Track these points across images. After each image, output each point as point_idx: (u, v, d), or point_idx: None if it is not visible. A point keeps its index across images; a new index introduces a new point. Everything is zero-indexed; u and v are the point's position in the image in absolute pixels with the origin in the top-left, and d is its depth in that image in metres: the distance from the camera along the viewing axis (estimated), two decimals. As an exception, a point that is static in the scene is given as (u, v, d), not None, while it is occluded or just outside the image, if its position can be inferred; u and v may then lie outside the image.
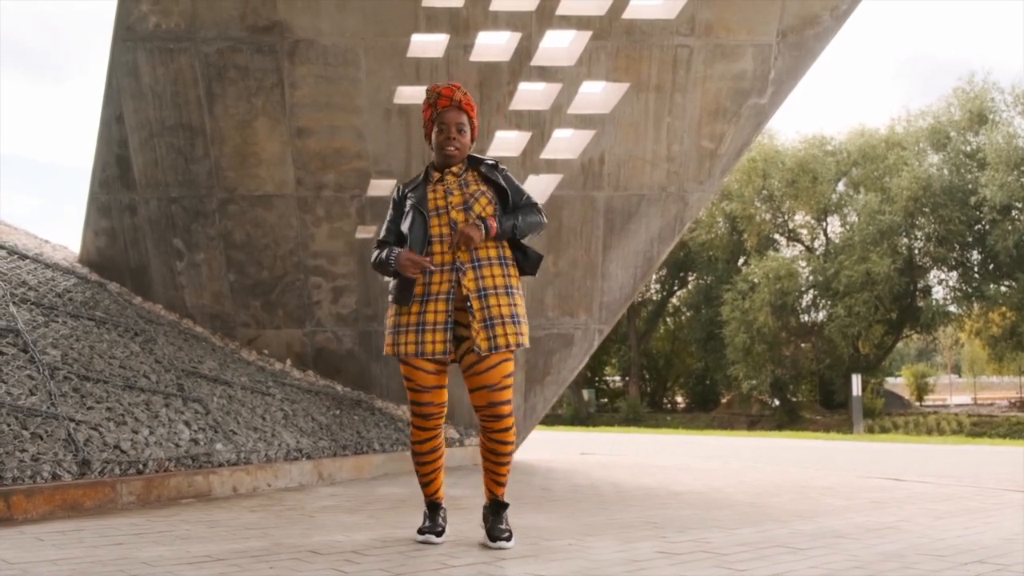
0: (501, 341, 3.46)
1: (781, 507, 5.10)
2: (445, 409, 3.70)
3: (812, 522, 4.48)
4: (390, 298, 3.66)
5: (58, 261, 7.65)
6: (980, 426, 30.87)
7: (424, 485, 3.78)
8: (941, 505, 5.21)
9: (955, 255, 31.50)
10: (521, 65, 7.40)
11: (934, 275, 32.71)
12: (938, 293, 32.81)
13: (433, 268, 3.52)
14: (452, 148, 3.65)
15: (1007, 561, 3.41)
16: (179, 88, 7.36)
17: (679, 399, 43.02)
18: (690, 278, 39.60)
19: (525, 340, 3.53)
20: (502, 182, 3.69)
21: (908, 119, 33.09)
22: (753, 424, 33.74)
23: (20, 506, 4.29)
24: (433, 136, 3.71)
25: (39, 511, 4.37)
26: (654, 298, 40.66)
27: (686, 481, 6.67)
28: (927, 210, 30.25)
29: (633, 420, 33.85)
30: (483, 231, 3.52)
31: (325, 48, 7.26)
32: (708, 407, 38.65)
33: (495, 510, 3.69)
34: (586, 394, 38.69)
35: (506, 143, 7.84)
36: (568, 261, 8.18)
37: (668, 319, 41.84)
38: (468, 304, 3.49)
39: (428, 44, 7.39)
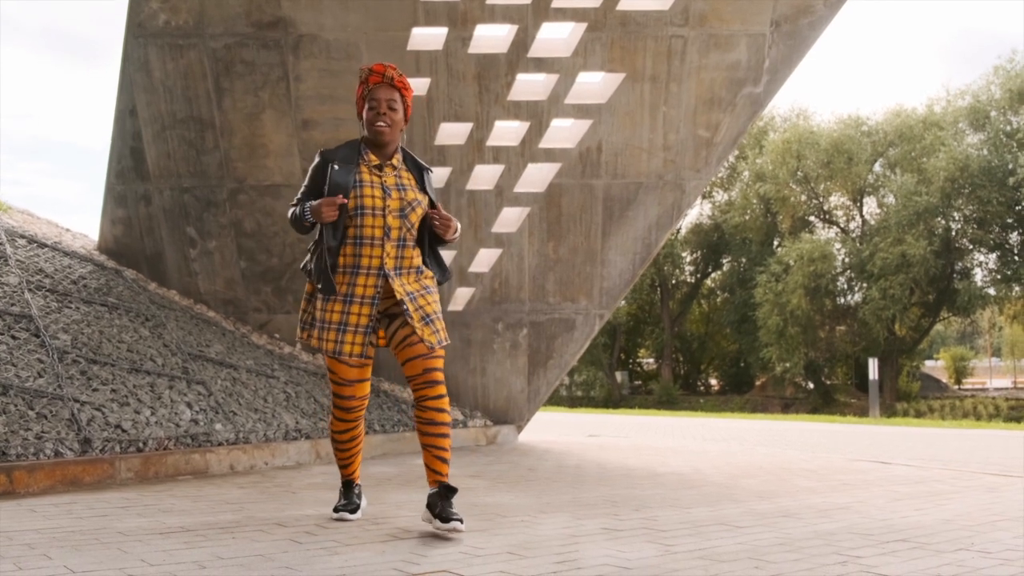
0: (443, 336, 3.61)
1: (748, 488, 5.27)
2: (366, 402, 3.89)
3: (769, 502, 4.66)
4: (313, 284, 3.74)
5: (76, 249, 8.02)
6: (1018, 410, 30.52)
7: (342, 467, 4.01)
8: (906, 487, 5.35)
9: (993, 237, 31.07)
10: (518, 57, 7.58)
11: (973, 257, 32.26)
12: (977, 275, 32.40)
13: (346, 201, 3.54)
14: (382, 124, 3.62)
15: (930, 540, 3.57)
16: (189, 82, 7.67)
17: (713, 381, 43.05)
18: (724, 260, 39.50)
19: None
20: (430, 193, 3.75)
21: (947, 99, 32.65)
22: (787, 407, 33.64)
23: (22, 481, 4.63)
24: (364, 113, 3.69)
25: (40, 485, 4.70)
26: (688, 280, 40.65)
27: (672, 463, 6.86)
28: (965, 191, 29.91)
29: (666, 403, 33.97)
30: (455, 231, 3.72)
31: (328, 43, 7.51)
32: (742, 389, 38.64)
33: (444, 494, 3.52)
34: (619, 376, 38.88)
35: (505, 133, 8.03)
36: (568, 248, 8.37)
37: (702, 301, 41.81)
38: (403, 307, 3.55)
39: (427, 37, 7.61)
